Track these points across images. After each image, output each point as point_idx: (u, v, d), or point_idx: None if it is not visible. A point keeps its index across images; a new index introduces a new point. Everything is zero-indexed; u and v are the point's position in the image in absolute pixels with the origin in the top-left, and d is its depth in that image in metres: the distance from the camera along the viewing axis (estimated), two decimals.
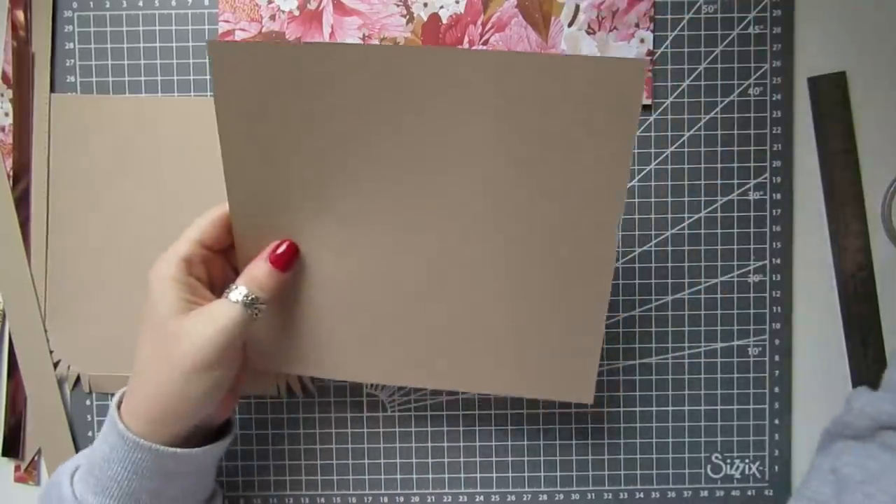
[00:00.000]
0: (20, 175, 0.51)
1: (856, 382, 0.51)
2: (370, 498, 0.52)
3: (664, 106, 0.51)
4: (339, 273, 0.44)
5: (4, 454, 0.52)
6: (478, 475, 0.52)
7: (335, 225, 0.43)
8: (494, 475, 0.52)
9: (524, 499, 0.52)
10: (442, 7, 0.50)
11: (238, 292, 0.41)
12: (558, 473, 0.52)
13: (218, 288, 0.43)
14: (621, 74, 0.38)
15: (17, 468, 0.52)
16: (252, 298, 0.41)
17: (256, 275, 0.42)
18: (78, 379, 0.51)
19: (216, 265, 0.44)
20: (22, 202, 0.51)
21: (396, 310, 0.44)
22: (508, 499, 0.52)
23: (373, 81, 0.40)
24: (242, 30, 0.50)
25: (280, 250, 0.43)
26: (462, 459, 0.52)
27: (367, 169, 0.42)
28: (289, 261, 0.43)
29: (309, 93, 0.40)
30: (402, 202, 0.42)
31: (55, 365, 0.51)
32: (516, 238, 0.42)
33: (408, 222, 0.43)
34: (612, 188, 0.41)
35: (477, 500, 0.52)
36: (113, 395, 0.46)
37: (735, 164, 0.51)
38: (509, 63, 0.39)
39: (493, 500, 0.52)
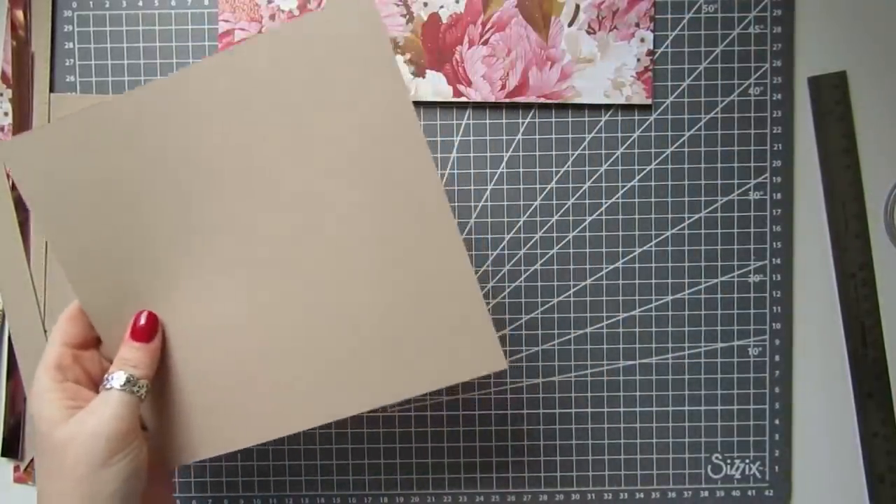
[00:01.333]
0: None
1: (856, 382, 0.51)
2: (370, 498, 0.52)
3: (664, 106, 0.51)
4: (208, 330, 0.42)
5: (4, 454, 0.52)
6: (478, 475, 0.52)
7: (185, 280, 0.42)
8: (494, 475, 0.52)
9: (524, 499, 0.52)
10: (442, 7, 0.50)
11: (115, 379, 0.40)
12: (558, 474, 0.52)
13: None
14: (351, 9, 0.38)
15: (17, 468, 0.52)
16: (129, 378, 0.40)
17: (125, 356, 0.41)
18: None
19: (92, 361, 0.43)
20: (22, 202, 0.51)
21: (279, 349, 0.42)
22: (508, 499, 0.52)
23: (154, 124, 0.40)
24: (242, 29, 0.50)
25: (140, 323, 0.42)
26: (462, 460, 0.52)
27: (189, 211, 0.41)
28: (150, 330, 0.42)
29: (108, 153, 0.40)
30: (232, 234, 0.41)
31: None
32: (352, 238, 0.41)
33: (248, 254, 0.41)
34: (410, 140, 0.39)
35: (477, 500, 0.52)
36: None
37: (735, 164, 0.51)
38: (266, 47, 0.39)
39: (493, 500, 0.52)
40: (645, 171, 0.51)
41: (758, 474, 0.52)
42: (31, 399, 0.40)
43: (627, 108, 0.51)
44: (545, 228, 0.51)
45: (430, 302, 0.41)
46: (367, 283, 0.41)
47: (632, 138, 0.51)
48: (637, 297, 0.51)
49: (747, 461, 0.52)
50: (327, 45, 0.39)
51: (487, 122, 0.51)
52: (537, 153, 0.51)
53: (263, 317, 0.42)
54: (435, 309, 0.42)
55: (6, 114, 0.51)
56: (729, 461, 0.52)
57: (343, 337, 0.42)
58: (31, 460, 0.52)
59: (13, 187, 0.51)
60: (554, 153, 0.51)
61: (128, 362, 0.40)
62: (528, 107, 0.51)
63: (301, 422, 0.42)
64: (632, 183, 0.51)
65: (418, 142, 0.40)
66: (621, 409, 0.52)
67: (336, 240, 0.41)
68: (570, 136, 0.51)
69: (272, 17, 0.50)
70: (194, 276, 0.42)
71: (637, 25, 0.50)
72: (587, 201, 0.51)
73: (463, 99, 0.50)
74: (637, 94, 0.50)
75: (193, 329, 0.42)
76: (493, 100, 0.50)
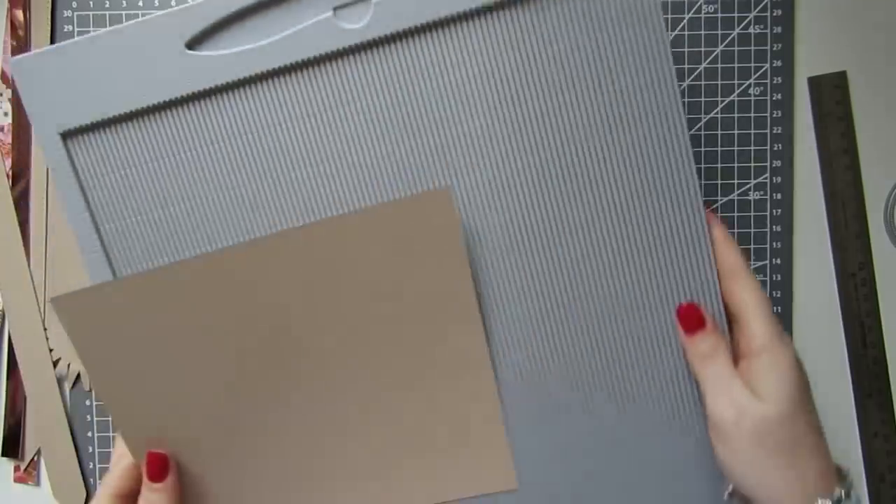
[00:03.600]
0: (20, 175, 0.51)
1: (856, 382, 0.51)
2: None
3: None
4: (259, 468, 0.44)
5: (4, 454, 0.52)
6: None
7: (242, 434, 0.43)
8: None
9: None
10: None
11: None
12: None
13: None
14: (430, 205, 0.40)
15: (17, 468, 0.52)
16: None
17: (148, 498, 0.41)
18: (78, 377, 0.51)
19: None
20: (21, 202, 0.51)
21: (326, 473, 0.44)
22: None
23: (214, 286, 0.40)
24: None
25: (148, 462, 0.41)
26: None
27: (246, 367, 0.42)
28: (159, 469, 0.41)
29: (167, 313, 0.40)
30: (291, 386, 0.43)
31: (55, 364, 0.51)
32: (401, 377, 0.43)
33: (303, 404, 0.43)
34: (462, 303, 0.42)
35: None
36: None
37: (735, 164, 0.51)
38: (328, 231, 0.40)
39: None
40: None
41: None
42: None
43: None
44: None
45: (460, 424, 0.44)
46: (410, 418, 0.44)
47: None
48: None
49: None
50: (403, 231, 0.41)
51: None
52: None
53: (317, 450, 0.44)
54: (462, 429, 0.44)
55: (6, 114, 0.51)
56: None
57: (379, 462, 0.45)
58: (31, 460, 0.52)
59: (13, 187, 0.51)
60: None
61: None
62: None
63: None
64: None
65: (475, 320, 0.43)
66: None
67: (387, 377, 0.43)
68: None
69: None
70: (250, 426, 0.43)
71: None
72: None
73: None
74: None
75: (247, 470, 0.44)
76: None
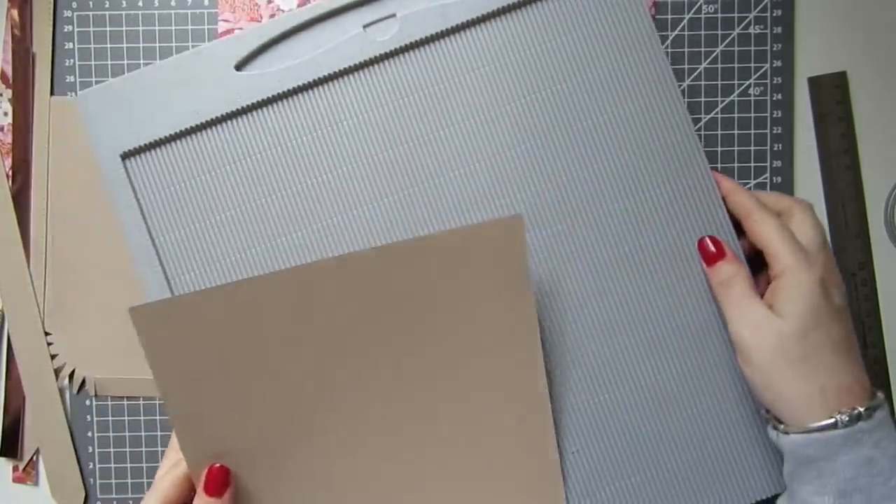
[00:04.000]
0: (20, 174, 0.51)
1: None
2: None
3: None
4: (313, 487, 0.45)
5: (2, 454, 0.51)
6: None
7: (300, 448, 0.44)
8: None
9: None
10: None
11: None
12: None
13: None
14: (501, 233, 0.42)
15: (16, 468, 0.52)
16: None
17: None
18: (83, 383, 0.51)
19: None
20: (21, 202, 0.51)
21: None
22: None
23: (281, 304, 0.42)
24: (242, 29, 0.50)
25: (209, 476, 0.42)
26: None
27: (309, 385, 0.43)
28: (218, 483, 0.42)
29: (239, 327, 0.42)
30: (350, 406, 0.44)
31: (60, 370, 0.51)
32: (452, 403, 0.45)
33: (361, 424, 0.44)
34: (526, 336, 0.44)
35: None
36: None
37: (735, 164, 0.51)
38: (398, 255, 0.42)
39: None
40: None
41: None
42: None
43: None
44: None
45: (520, 469, 0.46)
46: (464, 442, 0.45)
47: None
48: None
49: None
50: (467, 257, 0.43)
51: None
52: None
53: (373, 475, 0.45)
54: (520, 476, 0.46)
55: (6, 114, 0.51)
56: None
57: (436, 480, 0.46)
58: (30, 460, 0.52)
59: (13, 187, 0.51)
60: None
61: None
62: None
63: None
64: None
65: (536, 354, 0.45)
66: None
67: (442, 403, 0.45)
68: None
69: (272, 16, 0.50)
70: (304, 445, 0.44)
71: None
72: None
73: None
74: None
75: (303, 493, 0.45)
76: None
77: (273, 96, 0.46)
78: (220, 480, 0.42)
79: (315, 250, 0.46)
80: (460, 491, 0.45)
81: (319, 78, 0.46)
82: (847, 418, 0.38)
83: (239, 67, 0.46)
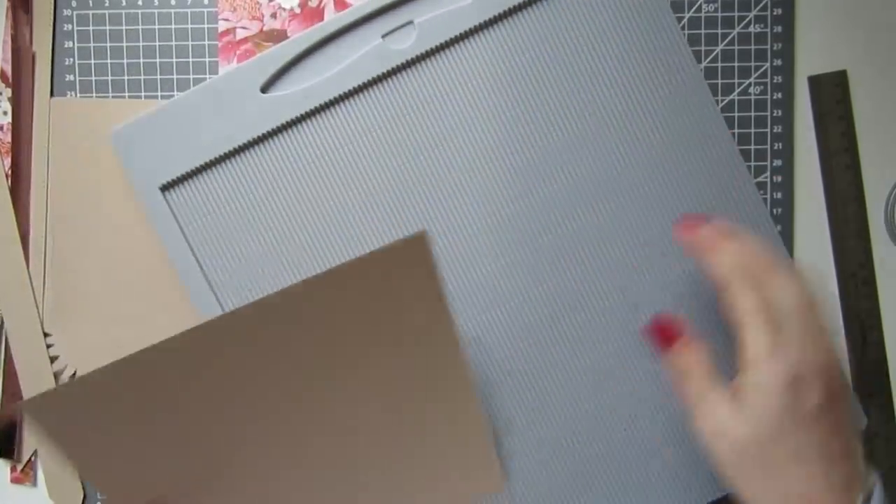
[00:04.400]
0: (19, 174, 0.51)
1: (856, 382, 0.51)
2: None
3: None
4: None
5: (0, 455, 0.51)
6: None
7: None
8: None
9: None
10: None
11: None
12: None
13: None
14: (406, 253, 0.38)
15: (14, 469, 0.52)
16: None
17: None
18: None
19: None
20: (20, 202, 0.51)
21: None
22: None
23: (185, 363, 0.38)
24: (244, 28, 0.50)
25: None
26: None
27: (227, 430, 0.41)
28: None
29: (142, 394, 0.39)
30: (276, 442, 0.43)
31: (58, 374, 0.51)
32: (386, 422, 0.44)
33: (289, 454, 0.43)
34: (447, 346, 0.41)
35: None
36: None
37: None
38: (299, 297, 0.38)
39: None
40: None
41: None
42: None
43: None
44: None
45: (452, 460, 0.47)
46: (398, 454, 0.45)
47: None
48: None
49: None
50: (375, 284, 0.39)
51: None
52: None
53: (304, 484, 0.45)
54: (451, 462, 0.47)
55: (5, 113, 0.51)
56: None
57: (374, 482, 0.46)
58: (28, 461, 0.51)
59: (12, 187, 0.51)
60: None
61: None
62: None
63: None
64: None
65: (461, 366, 0.42)
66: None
67: (375, 429, 0.44)
68: None
69: (273, 15, 0.50)
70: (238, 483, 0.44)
71: None
72: None
73: None
74: None
75: None
76: None
77: (301, 115, 0.47)
78: None
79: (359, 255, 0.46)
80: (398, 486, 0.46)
81: (344, 93, 0.47)
82: None
83: (264, 89, 0.47)
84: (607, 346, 0.49)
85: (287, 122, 0.47)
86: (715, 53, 0.50)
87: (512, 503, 0.48)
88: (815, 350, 0.36)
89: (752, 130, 0.51)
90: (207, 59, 0.50)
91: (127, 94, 0.51)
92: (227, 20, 0.50)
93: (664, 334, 0.41)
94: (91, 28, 0.50)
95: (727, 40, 0.50)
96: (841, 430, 0.37)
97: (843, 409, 0.37)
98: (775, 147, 0.51)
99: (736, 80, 0.50)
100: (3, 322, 0.51)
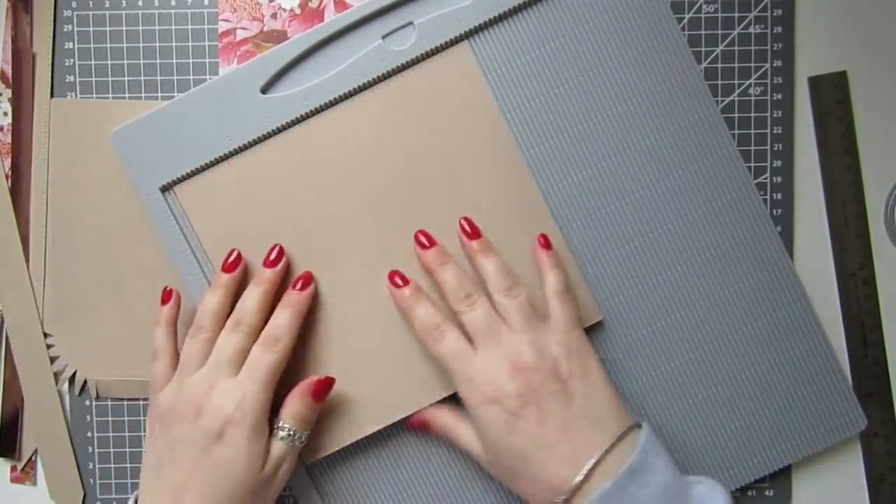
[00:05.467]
0: (19, 175, 0.51)
1: (856, 382, 0.51)
2: None
3: None
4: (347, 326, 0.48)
5: (1, 454, 0.51)
6: None
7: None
8: None
9: None
10: None
11: (283, 429, 0.45)
12: None
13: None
14: (452, 64, 0.47)
15: (14, 468, 0.52)
16: (295, 433, 0.45)
17: (300, 411, 0.45)
18: (84, 384, 0.51)
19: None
20: (21, 202, 0.51)
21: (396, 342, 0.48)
22: None
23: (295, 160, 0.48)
24: (244, 28, 0.50)
25: (318, 381, 0.46)
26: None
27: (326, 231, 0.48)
28: (327, 391, 0.46)
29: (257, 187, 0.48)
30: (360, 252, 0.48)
31: (58, 374, 0.51)
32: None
33: (371, 266, 0.48)
34: (507, 157, 0.48)
35: None
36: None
37: None
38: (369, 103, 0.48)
39: None
40: None
41: None
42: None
43: None
44: None
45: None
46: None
47: None
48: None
49: None
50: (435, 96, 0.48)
51: None
52: None
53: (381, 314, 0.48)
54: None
55: (5, 114, 0.51)
56: None
57: None
58: (28, 460, 0.51)
59: (12, 188, 0.51)
60: None
61: (301, 418, 0.45)
62: None
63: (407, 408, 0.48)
64: None
65: (512, 159, 0.48)
66: None
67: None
68: None
69: (274, 15, 0.50)
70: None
71: None
72: None
73: None
74: None
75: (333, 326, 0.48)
76: None
77: (301, 116, 0.47)
78: (328, 387, 0.46)
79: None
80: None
81: (344, 93, 0.47)
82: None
83: (265, 90, 0.47)
84: (615, 342, 0.49)
85: (287, 123, 0.47)
86: (715, 54, 0.50)
87: None
88: (497, 372, 0.43)
89: (752, 131, 0.51)
90: (208, 60, 0.50)
91: (127, 95, 0.51)
92: (227, 21, 0.50)
93: (418, 424, 0.48)
94: (91, 29, 0.50)
95: (727, 41, 0.50)
96: (545, 421, 0.42)
97: (547, 397, 0.43)
98: (775, 148, 0.51)
99: (736, 81, 0.50)
100: (3, 322, 0.51)
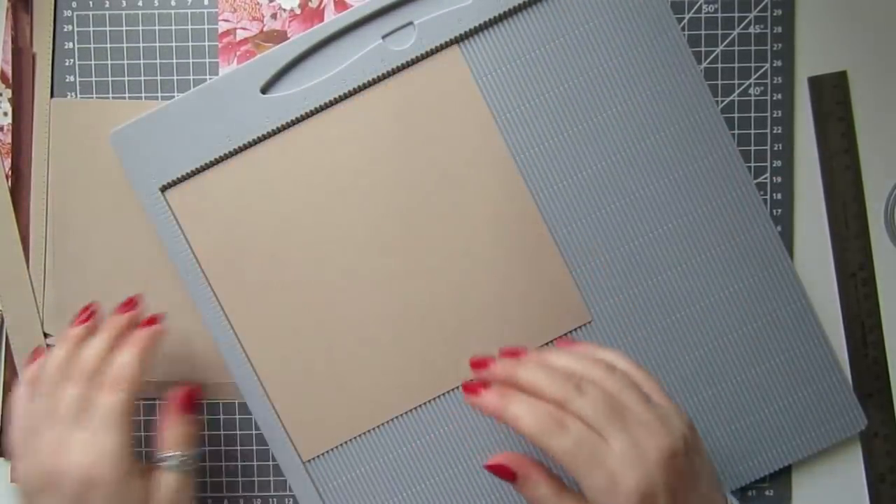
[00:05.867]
0: (19, 175, 0.51)
1: (856, 382, 0.51)
2: None
3: None
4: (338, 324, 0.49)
5: (1, 454, 0.51)
6: None
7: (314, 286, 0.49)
8: None
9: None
10: None
11: (167, 459, 0.43)
12: None
13: None
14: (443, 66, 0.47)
15: (14, 468, 0.52)
16: (181, 457, 0.43)
17: (180, 432, 0.44)
18: None
19: None
20: (21, 202, 0.51)
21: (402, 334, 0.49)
22: None
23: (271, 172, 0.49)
24: (244, 29, 0.50)
25: (182, 395, 0.45)
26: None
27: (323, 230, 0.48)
28: (196, 398, 0.46)
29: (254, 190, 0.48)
30: (360, 247, 0.49)
31: None
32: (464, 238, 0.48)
33: (371, 262, 0.48)
34: (494, 153, 0.48)
35: None
36: None
37: None
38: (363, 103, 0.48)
39: None
40: None
41: None
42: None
43: None
44: None
45: (532, 274, 0.49)
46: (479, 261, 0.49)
47: None
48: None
49: None
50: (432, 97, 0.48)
51: None
52: None
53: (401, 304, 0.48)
54: (534, 280, 0.49)
55: (5, 114, 0.51)
56: None
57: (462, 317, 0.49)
58: None
59: (12, 188, 0.51)
60: None
61: (181, 441, 0.44)
62: None
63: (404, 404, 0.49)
64: None
65: (503, 156, 0.48)
66: None
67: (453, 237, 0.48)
68: None
69: (274, 15, 0.50)
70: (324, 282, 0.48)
71: None
72: None
73: None
74: None
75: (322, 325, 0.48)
76: None
77: (301, 116, 0.47)
78: (194, 398, 0.46)
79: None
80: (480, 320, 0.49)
81: (344, 93, 0.47)
82: None
83: (265, 90, 0.47)
84: (615, 343, 0.49)
85: (287, 123, 0.47)
86: (715, 54, 0.50)
87: None
88: (645, 465, 0.35)
89: (752, 131, 0.51)
90: (208, 60, 0.50)
91: (127, 95, 0.51)
92: (227, 21, 0.50)
93: (503, 472, 0.39)
94: (91, 29, 0.50)
95: (727, 41, 0.50)
96: None
97: (689, 481, 0.37)
98: (775, 148, 0.51)
99: (736, 81, 0.50)
100: (3, 322, 0.51)
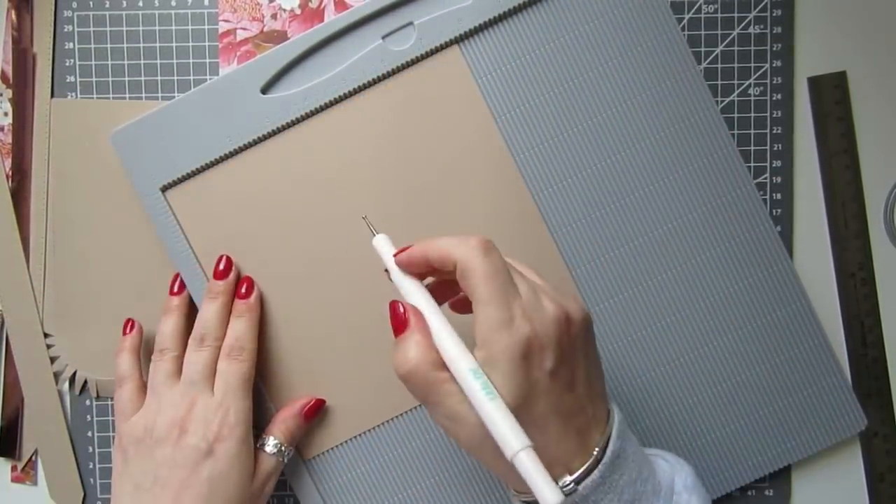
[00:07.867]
0: (20, 175, 0.51)
1: (856, 382, 0.51)
2: None
3: None
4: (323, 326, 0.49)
5: (1, 454, 0.51)
6: None
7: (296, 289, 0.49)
8: None
9: None
10: None
11: (272, 444, 0.46)
12: None
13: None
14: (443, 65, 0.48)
15: (14, 468, 0.52)
16: (284, 449, 0.47)
17: (290, 429, 0.47)
18: (85, 384, 0.51)
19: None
20: (21, 202, 0.51)
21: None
22: None
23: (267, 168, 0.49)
24: (244, 29, 0.50)
25: (313, 403, 0.48)
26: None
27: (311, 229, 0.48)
28: (319, 412, 0.48)
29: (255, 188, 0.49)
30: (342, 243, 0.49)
31: (58, 374, 0.51)
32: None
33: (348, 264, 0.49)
34: (494, 152, 0.48)
35: None
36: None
37: None
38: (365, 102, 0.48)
39: None
40: None
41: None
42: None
43: None
44: None
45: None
46: None
47: None
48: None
49: None
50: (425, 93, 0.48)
51: None
52: None
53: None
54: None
55: (6, 114, 0.51)
56: None
57: None
58: (29, 460, 0.51)
59: (12, 188, 0.51)
60: None
61: (290, 434, 0.47)
62: None
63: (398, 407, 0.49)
64: None
65: (503, 156, 0.48)
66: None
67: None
68: None
69: (274, 16, 0.50)
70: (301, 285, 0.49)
71: None
72: None
73: None
74: None
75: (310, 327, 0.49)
76: None
77: (301, 116, 0.47)
78: (320, 408, 0.48)
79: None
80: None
81: (344, 93, 0.47)
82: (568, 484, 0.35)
83: (265, 90, 0.47)
84: (616, 343, 0.49)
85: (287, 123, 0.47)
86: (715, 54, 0.50)
87: None
88: (541, 317, 0.35)
89: (752, 131, 0.51)
90: (208, 61, 0.50)
91: (127, 95, 0.51)
92: (227, 21, 0.50)
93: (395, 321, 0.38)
94: (92, 29, 0.50)
95: (727, 41, 0.50)
96: (574, 385, 0.36)
97: (578, 357, 0.37)
98: (775, 148, 0.51)
99: (736, 81, 0.50)
100: (3, 322, 0.51)
